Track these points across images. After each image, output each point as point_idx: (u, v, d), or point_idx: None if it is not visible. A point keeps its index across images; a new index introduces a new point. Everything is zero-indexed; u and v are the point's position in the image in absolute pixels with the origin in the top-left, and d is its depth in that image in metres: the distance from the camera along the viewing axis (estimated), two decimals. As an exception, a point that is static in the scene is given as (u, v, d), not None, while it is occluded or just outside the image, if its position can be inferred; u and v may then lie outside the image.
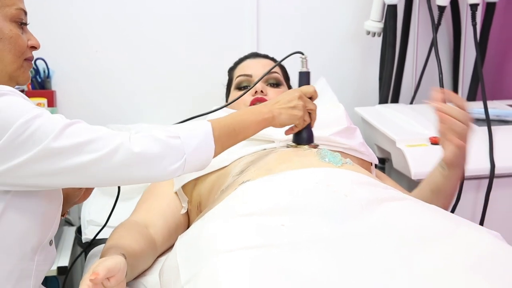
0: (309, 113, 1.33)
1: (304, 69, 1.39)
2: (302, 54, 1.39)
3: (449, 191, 1.38)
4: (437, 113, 1.29)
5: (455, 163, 1.33)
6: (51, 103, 1.98)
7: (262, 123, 1.23)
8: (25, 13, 1.19)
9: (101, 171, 1.02)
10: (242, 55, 1.80)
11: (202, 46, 2.10)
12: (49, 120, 1.01)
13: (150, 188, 1.47)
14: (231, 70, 1.75)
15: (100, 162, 1.01)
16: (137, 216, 1.36)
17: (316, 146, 1.38)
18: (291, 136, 1.42)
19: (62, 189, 1.18)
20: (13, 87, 1.17)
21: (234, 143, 1.21)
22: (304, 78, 1.39)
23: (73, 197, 1.28)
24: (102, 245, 1.37)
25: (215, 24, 2.09)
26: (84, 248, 1.50)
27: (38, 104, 1.95)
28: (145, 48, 2.07)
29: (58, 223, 1.22)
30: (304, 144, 1.37)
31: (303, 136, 1.37)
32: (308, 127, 1.36)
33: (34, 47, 1.18)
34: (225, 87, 1.78)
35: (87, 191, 1.31)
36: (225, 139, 1.17)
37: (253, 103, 1.57)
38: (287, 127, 1.34)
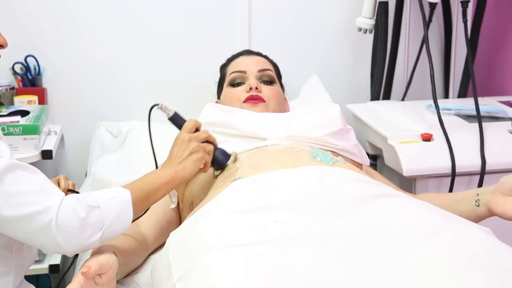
0: (207, 141, 1.31)
1: (170, 114, 1.35)
2: (157, 104, 1.35)
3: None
4: None
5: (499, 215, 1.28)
6: (42, 101, 1.97)
7: (170, 184, 1.21)
8: None
9: (20, 229, 1.01)
10: (233, 52, 1.79)
11: (194, 42, 2.09)
12: None
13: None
14: (223, 67, 1.75)
15: (20, 220, 1.00)
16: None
17: (235, 155, 1.35)
18: (288, 132, 1.42)
19: None
20: None
21: (148, 207, 1.20)
22: (177, 120, 1.35)
23: None
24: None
25: (206, 21, 2.09)
26: None
27: (29, 102, 1.95)
28: (136, 45, 2.06)
29: None
30: (225, 164, 1.33)
31: (219, 161, 1.33)
32: (216, 150, 1.33)
33: (0, 46, 1.16)
34: (217, 84, 1.78)
35: None
36: (139, 205, 1.15)
37: (247, 100, 1.57)
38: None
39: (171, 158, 1.27)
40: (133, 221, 1.24)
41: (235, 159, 1.35)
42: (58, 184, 1.30)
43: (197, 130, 1.32)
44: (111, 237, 1.10)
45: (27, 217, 0.99)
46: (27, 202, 1.00)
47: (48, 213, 1.00)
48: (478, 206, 1.30)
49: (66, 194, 1.30)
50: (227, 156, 1.35)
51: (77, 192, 1.32)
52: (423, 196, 1.41)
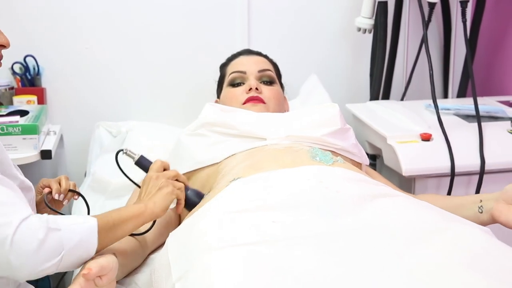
0: (177, 180, 1.28)
1: (136, 157, 1.33)
2: (122, 150, 1.34)
3: None
4: None
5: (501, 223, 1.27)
6: (41, 101, 1.97)
7: (140, 218, 1.16)
8: None
9: None
10: (233, 52, 1.79)
11: (193, 42, 2.09)
12: None
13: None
14: (223, 67, 1.75)
15: None
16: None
17: (202, 196, 1.31)
18: (288, 131, 1.41)
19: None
20: None
21: (114, 241, 1.13)
22: (143, 162, 1.33)
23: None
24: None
25: (206, 20, 2.09)
26: None
27: (28, 102, 1.95)
28: (136, 44, 2.06)
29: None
30: (198, 202, 1.29)
31: (192, 201, 1.29)
32: (188, 190, 1.30)
33: (2, 46, 1.15)
34: (216, 83, 1.78)
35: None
36: (105, 235, 1.09)
37: (247, 101, 1.57)
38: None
39: (140, 196, 1.23)
40: (137, 234, 1.24)
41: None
42: (59, 184, 1.30)
43: (165, 170, 1.29)
44: (71, 265, 1.03)
45: None
46: None
47: (6, 229, 0.95)
48: (481, 213, 1.28)
49: (66, 195, 1.30)
50: (200, 196, 1.31)
51: (78, 193, 1.32)
52: (423, 198, 1.41)
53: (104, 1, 2.01)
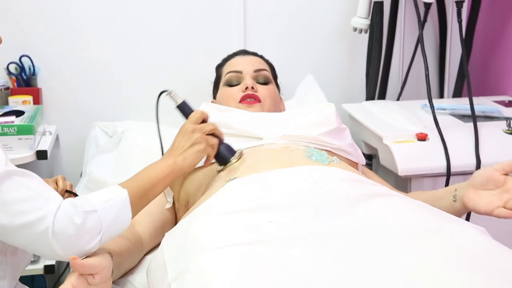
0: (212, 134, 1.27)
1: (179, 101, 1.32)
2: (166, 90, 1.32)
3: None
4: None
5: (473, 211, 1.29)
6: (37, 101, 1.97)
7: (169, 176, 1.18)
8: None
9: (18, 237, 1.00)
10: (229, 52, 1.79)
11: (189, 43, 2.09)
12: None
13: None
14: (219, 67, 1.74)
15: (17, 228, 0.99)
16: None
17: (241, 152, 1.32)
18: (284, 131, 1.41)
19: None
20: None
21: (146, 204, 1.17)
22: (184, 109, 1.32)
23: None
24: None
25: (202, 21, 2.09)
26: None
27: (24, 102, 1.94)
28: (132, 45, 2.06)
29: None
30: (230, 161, 1.30)
31: (223, 157, 1.30)
32: (221, 145, 1.30)
33: None
34: (212, 84, 1.77)
35: None
36: (138, 203, 1.12)
37: (243, 99, 1.57)
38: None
39: (172, 148, 1.24)
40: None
41: (240, 157, 1.32)
42: (56, 184, 1.30)
43: (204, 122, 1.28)
44: (110, 238, 1.08)
45: (24, 226, 0.98)
46: (24, 210, 0.98)
47: (44, 221, 0.98)
48: (455, 201, 1.31)
49: (63, 195, 1.30)
50: (232, 152, 1.31)
51: (75, 194, 1.32)
52: (410, 195, 1.42)
53: (100, 1, 2.01)
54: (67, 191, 1.30)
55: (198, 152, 1.23)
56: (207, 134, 1.26)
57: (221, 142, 1.30)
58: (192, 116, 1.28)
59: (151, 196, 1.17)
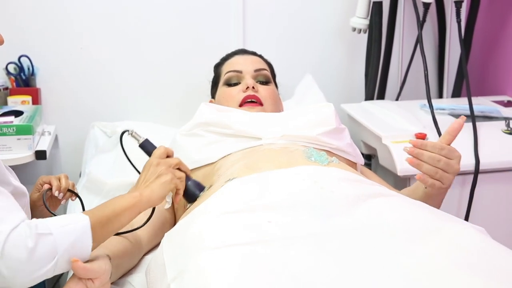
0: (178, 169, 1.23)
1: (140, 140, 1.29)
2: (127, 130, 1.29)
3: (433, 205, 1.37)
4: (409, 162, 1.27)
5: (437, 192, 1.32)
6: (35, 101, 1.97)
7: (135, 208, 1.12)
8: None
9: None
10: (228, 52, 1.79)
11: (188, 42, 2.09)
12: None
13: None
14: (218, 66, 1.74)
15: None
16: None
17: (208, 188, 1.28)
18: (283, 131, 1.41)
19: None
20: None
21: (110, 234, 1.10)
22: (147, 146, 1.29)
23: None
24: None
25: (201, 20, 2.08)
26: None
27: (23, 102, 1.94)
28: (130, 44, 2.06)
29: (27, 213, 1.20)
30: (198, 196, 1.26)
31: (191, 191, 1.26)
32: (189, 180, 1.26)
33: None
34: (210, 83, 1.77)
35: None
36: (100, 231, 1.06)
37: (244, 101, 1.57)
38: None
39: (138, 183, 1.20)
40: (136, 229, 1.22)
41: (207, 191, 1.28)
42: (60, 182, 1.29)
43: (168, 157, 1.24)
44: (67, 268, 1.01)
45: None
46: None
47: None
48: (426, 188, 1.33)
49: (65, 194, 1.30)
50: (200, 187, 1.27)
51: (77, 194, 1.32)
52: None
53: (99, 1, 2.01)
54: (69, 190, 1.30)
55: (165, 183, 1.17)
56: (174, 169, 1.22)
57: (188, 177, 1.26)
58: (156, 151, 1.24)
59: (116, 226, 1.10)
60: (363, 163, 1.55)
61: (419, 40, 1.88)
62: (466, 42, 2.10)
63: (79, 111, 2.06)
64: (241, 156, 1.36)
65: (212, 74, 1.77)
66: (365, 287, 0.90)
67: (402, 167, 1.65)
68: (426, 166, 1.25)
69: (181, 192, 1.23)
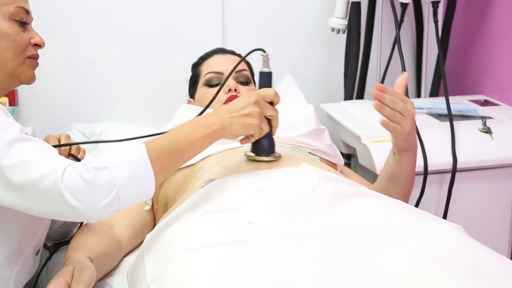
0: (269, 119, 1.19)
1: (266, 69, 1.22)
2: (264, 51, 1.22)
3: (405, 177, 1.41)
4: (374, 105, 1.30)
5: (403, 147, 1.36)
6: (12, 102, 1.94)
7: (210, 137, 1.09)
8: (27, 11, 1.18)
9: (32, 198, 0.97)
10: (207, 50, 1.78)
11: (166, 41, 2.07)
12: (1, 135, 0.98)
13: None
14: (196, 66, 1.73)
15: (29, 186, 0.96)
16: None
17: (278, 158, 1.26)
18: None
19: None
20: (17, 86, 1.16)
21: (179, 164, 1.08)
22: (265, 79, 1.22)
23: None
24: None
25: (179, 19, 2.07)
26: (52, 251, 1.47)
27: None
28: (108, 45, 2.04)
29: (44, 233, 1.19)
30: (264, 155, 1.23)
31: (261, 146, 1.22)
32: (268, 136, 1.21)
33: (37, 45, 1.17)
34: (188, 82, 1.76)
35: None
36: (166, 162, 1.03)
37: (227, 102, 1.56)
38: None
39: (223, 110, 1.13)
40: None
41: (275, 160, 1.24)
42: (59, 141, 1.30)
43: (272, 103, 1.19)
44: (132, 200, 1.01)
45: (33, 182, 0.95)
46: (33, 168, 0.96)
47: (53, 175, 0.95)
48: (395, 154, 1.38)
49: (67, 157, 1.28)
50: (271, 149, 1.22)
51: (78, 160, 1.30)
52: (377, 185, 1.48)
53: (75, 3, 1.99)
54: (69, 154, 1.28)
55: (248, 125, 1.12)
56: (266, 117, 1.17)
57: (270, 133, 1.20)
58: (264, 90, 1.17)
59: (185, 156, 1.07)
60: (343, 164, 1.56)
61: (397, 40, 1.89)
62: (443, 42, 2.12)
63: (57, 112, 2.04)
64: (221, 158, 1.36)
65: (190, 73, 1.76)
66: (345, 285, 0.91)
67: (381, 166, 1.66)
68: (387, 109, 1.29)
69: (252, 140, 1.19)
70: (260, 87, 1.21)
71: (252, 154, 1.25)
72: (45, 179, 0.95)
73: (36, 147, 1.00)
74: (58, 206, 0.96)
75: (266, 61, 1.22)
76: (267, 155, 1.23)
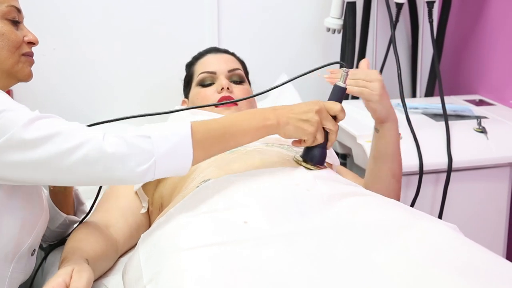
0: (327, 132, 1.19)
1: (342, 84, 1.23)
2: (346, 67, 1.24)
3: (391, 152, 1.40)
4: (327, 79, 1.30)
5: (381, 114, 1.37)
6: (7, 102, 1.93)
7: (262, 130, 1.11)
8: (18, 10, 1.19)
9: (63, 167, 0.99)
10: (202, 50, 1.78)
11: (161, 40, 2.07)
12: (20, 112, 1.02)
13: (111, 188, 1.45)
14: (190, 66, 1.73)
15: (62, 157, 0.98)
16: (97, 216, 1.34)
17: (321, 168, 1.24)
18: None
19: None
20: (14, 83, 1.17)
21: (224, 149, 1.10)
22: (337, 93, 1.23)
23: None
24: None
25: (174, 18, 2.07)
26: (47, 252, 1.46)
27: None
28: (102, 44, 2.03)
29: (40, 233, 1.19)
30: (311, 164, 1.23)
31: (311, 154, 1.22)
32: (321, 147, 1.21)
33: (31, 43, 1.17)
34: (182, 82, 1.76)
35: None
36: (209, 144, 1.06)
37: (220, 101, 1.56)
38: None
39: (290, 106, 1.14)
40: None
41: (317, 169, 1.23)
42: None
43: (335, 118, 1.21)
44: (166, 173, 1.04)
45: (76, 148, 0.98)
46: (72, 136, 1.00)
47: (93, 140, 0.99)
48: (378, 131, 1.39)
49: None
50: (321, 160, 1.23)
51: None
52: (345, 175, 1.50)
53: (65, 2, 1.97)
54: None
55: (303, 131, 1.14)
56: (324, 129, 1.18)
57: (325, 145, 1.21)
58: (331, 103, 1.20)
59: (232, 143, 1.10)
60: (338, 164, 1.56)
61: (392, 40, 1.90)
62: (438, 42, 2.13)
63: (53, 111, 1.97)
64: (216, 159, 1.36)
65: (184, 73, 1.76)
66: (340, 285, 0.91)
67: (377, 166, 1.67)
68: (348, 80, 1.27)
69: (304, 145, 1.21)
70: (330, 99, 1.23)
71: (300, 158, 1.25)
72: (84, 145, 0.98)
73: (60, 122, 1.04)
74: (97, 170, 0.99)
75: (344, 76, 1.25)
76: (314, 164, 1.24)
